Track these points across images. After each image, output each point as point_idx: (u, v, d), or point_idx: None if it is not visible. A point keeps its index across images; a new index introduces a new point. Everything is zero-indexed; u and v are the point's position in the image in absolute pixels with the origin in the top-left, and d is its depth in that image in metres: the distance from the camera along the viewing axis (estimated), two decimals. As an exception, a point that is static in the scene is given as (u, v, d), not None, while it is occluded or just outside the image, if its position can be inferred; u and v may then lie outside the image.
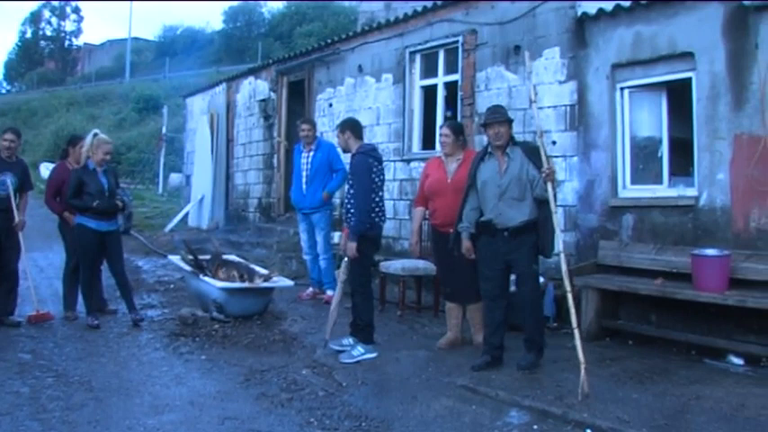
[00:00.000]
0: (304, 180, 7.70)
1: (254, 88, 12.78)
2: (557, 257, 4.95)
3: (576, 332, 4.57)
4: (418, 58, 9.02)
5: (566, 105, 7.01)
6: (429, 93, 9.00)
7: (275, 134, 11.94)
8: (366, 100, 9.72)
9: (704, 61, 5.84)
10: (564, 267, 4.71)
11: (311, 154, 7.70)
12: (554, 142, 6.99)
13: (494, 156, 5.13)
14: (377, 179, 5.49)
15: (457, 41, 8.25)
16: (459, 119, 8.02)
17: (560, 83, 7.05)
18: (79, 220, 6.35)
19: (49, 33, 52.31)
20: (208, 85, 15.20)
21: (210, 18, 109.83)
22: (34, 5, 59.24)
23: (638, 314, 6.12)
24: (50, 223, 7.48)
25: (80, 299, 6.63)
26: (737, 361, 5.24)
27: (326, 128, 10.11)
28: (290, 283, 7.15)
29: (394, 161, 9.08)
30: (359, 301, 5.50)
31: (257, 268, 7.31)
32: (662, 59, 6.18)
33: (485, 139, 5.97)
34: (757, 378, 4.89)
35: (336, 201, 8.76)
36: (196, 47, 39.02)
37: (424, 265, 6.91)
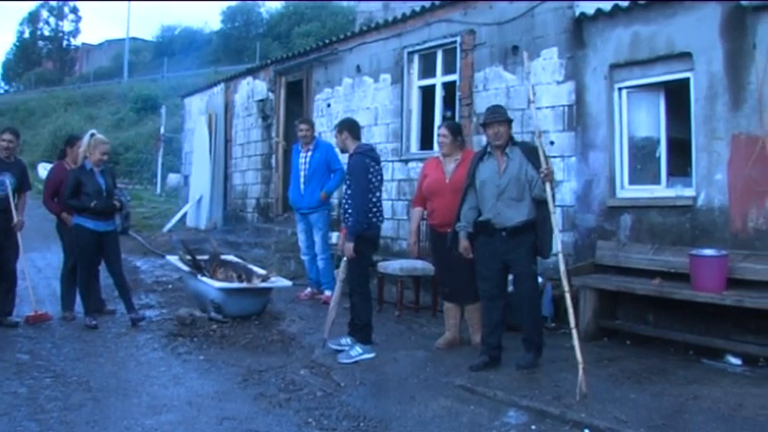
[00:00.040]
0: (302, 180, 7.71)
1: (253, 88, 12.78)
2: (555, 258, 4.96)
3: (574, 332, 4.57)
4: (416, 58, 9.02)
5: (564, 106, 7.02)
6: (427, 93, 9.00)
7: (273, 134, 11.93)
8: (364, 100, 9.72)
9: (702, 61, 5.84)
10: (562, 267, 4.71)
11: (309, 154, 7.70)
12: (552, 142, 7.00)
13: (493, 155, 5.14)
14: (374, 179, 5.49)
15: (455, 42, 8.25)
16: (457, 119, 8.02)
17: (558, 83, 7.06)
18: (77, 221, 6.34)
19: (47, 33, 52.35)
20: (206, 86, 15.19)
21: (209, 18, 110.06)
22: (32, 5, 59.42)
23: (636, 314, 6.12)
24: (48, 223, 7.48)
25: (78, 299, 6.62)
26: (735, 361, 5.25)
27: (325, 128, 10.11)
28: (288, 283, 7.15)
29: (392, 161, 9.08)
30: (357, 301, 5.50)
31: (255, 268, 7.31)
32: (660, 60, 6.19)
33: (483, 139, 5.98)
34: (755, 378, 4.89)
35: (334, 201, 8.76)
36: (194, 47, 39.05)
37: (423, 266, 6.91)
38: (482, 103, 7.67)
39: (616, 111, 6.59)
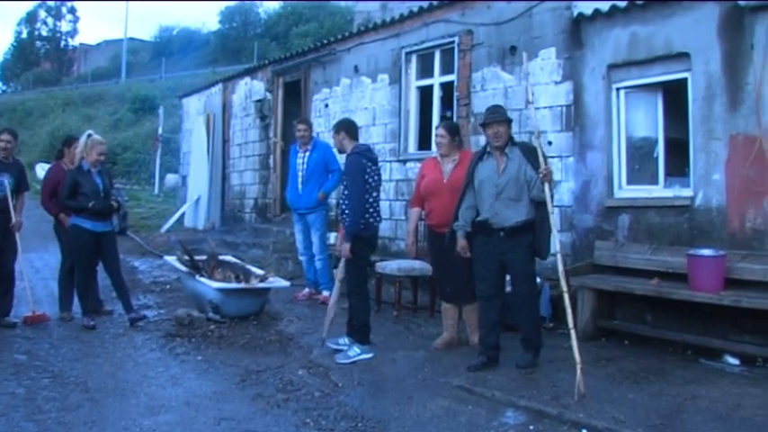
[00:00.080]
0: (300, 180, 7.70)
1: (251, 89, 12.78)
2: (553, 258, 4.96)
3: (573, 332, 4.57)
4: (414, 58, 9.02)
5: (562, 106, 7.02)
6: (425, 93, 9.00)
7: (271, 134, 11.93)
8: (362, 100, 9.73)
9: (700, 62, 5.85)
10: (561, 268, 4.72)
11: (307, 154, 7.70)
12: (550, 143, 7.00)
13: (492, 155, 5.14)
14: (371, 180, 5.48)
15: (453, 42, 8.25)
16: (455, 119, 8.03)
17: (556, 83, 7.06)
18: (74, 221, 6.34)
19: (44, 33, 52.23)
20: (204, 86, 15.18)
21: (206, 18, 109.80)
22: (30, 5, 59.12)
23: (634, 314, 6.13)
24: (46, 224, 7.47)
25: (76, 300, 6.61)
26: (733, 361, 5.26)
27: (323, 128, 10.11)
28: (286, 283, 7.15)
29: (390, 162, 9.08)
30: (355, 301, 5.50)
31: (253, 269, 7.31)
32: (658, 60, 6.19)
33: (480, 139, 5.99)
34: (753, 378, 4.90)
35: (332, 201, 8.76)
36: (192, 47, 39.00)
37: (420, 266, 6.91)
38: (480, 104, 7.68)
39: (614, 111, 6.59)
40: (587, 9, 6.63)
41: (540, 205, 4.93)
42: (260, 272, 7.12)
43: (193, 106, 15.49)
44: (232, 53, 35.30)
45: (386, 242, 8.85)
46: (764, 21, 5.45)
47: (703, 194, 5.85)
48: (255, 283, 6.80)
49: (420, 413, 4.26)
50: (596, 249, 6.48)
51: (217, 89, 14.01)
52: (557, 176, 6.76)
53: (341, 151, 5.79)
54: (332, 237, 8.01)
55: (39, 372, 4.96)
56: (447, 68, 8.54)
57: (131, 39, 44.63)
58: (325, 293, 7.36)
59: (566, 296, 4.65)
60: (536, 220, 4.99)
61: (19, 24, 52.04)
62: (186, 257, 7.16)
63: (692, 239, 5.87)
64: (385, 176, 8.30)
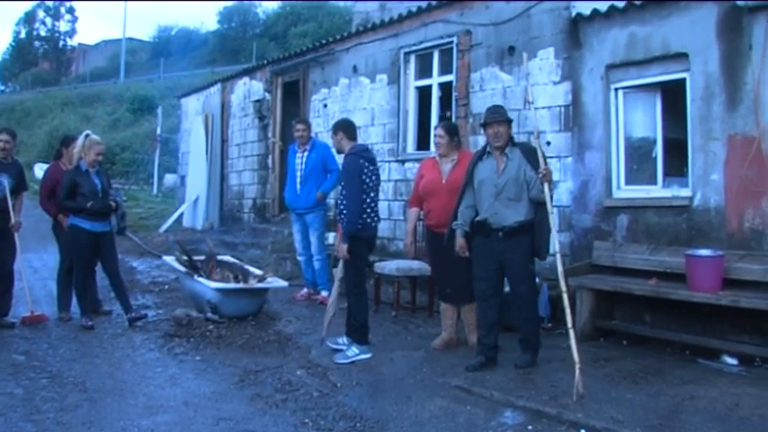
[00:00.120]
0: (298, 180, 7.70)
1: (249, 89, 12.77)
2: (552, 258, 4.96)
3: (571, 332, 4.57)
4: (413, 58, 9.02)
5: (560, 106, 7.03)
6: (424, 93, 9.00)
7: (270, 135, 11.92)
8: (361, 100, 9.72)
9: (698, 62, 5.85)
10: (560, 268, 4.72)
11: (306, 154, 7.69)
12: (548, 143, 7.01)
13: (492, 155, 5.15)
14: (368, 180, 5.47)
15: (451, 42, 8.25)
16: (453, 119, 8.03)
17: (555, 83, 7.07)
18: (73, 221, 6.33)
19: (43, 33, 52.24)
20: (202, 86, 15.18)
21: (205, 18, 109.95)
22: (28, 5, 59.25)
23: (633, 314, 6.13)
24: (44, 224, 7.46)
25: (74, 300, 6.60)
26: (731, 361, 5.26)
27: (321, 128, 10.11)
28: (284, 283, 7.14)
29: (388, 162, 9.08)
30: (353, 301, 5.50)
31: (252, 269, 7.31)
32: (656, 60, 6.20)
33: (479, 139, 5.99)
34: (751, 378, 4.90)
35: (331, 201, 8.76)
36: (191, 47, 39.03)
37: (419, 266, 6.91)
38: (478, 104, 7.69)
39: (612, 111, 6.60)
40: (585, 9, 6.63)
41: (539, 205, 4.94)
42: (258, 272, 7.11)
43: (192, 106, 15.48)
44: (231, 53, 35.33)
45: (384, 242, 8.85)
46: (763, 21, 5.46)
47: (702, 194, 5.85)
48: (254, 284, 6.79)
49: (418, 413, 4.26)
50: (595, 249, 6.49)
51: (215, 89, 14.01)
52: (555, 177, 6.75)
53: (339, 151, 5.78)
54: (330, 237, 8.02)
55: (37, 372, 4.95)
56: (446, 69, 8.54)
57: (130, 39, 44.64)
58: (324, 293, 7.36)
59: (564, 296, 4.65)
60: (535, 221, 4.99)
61: (17, 24, 52.10)
62: (185, 257, 7.15)
63: (690, 239, 5.87)
64: (384, 176, 8.30)
